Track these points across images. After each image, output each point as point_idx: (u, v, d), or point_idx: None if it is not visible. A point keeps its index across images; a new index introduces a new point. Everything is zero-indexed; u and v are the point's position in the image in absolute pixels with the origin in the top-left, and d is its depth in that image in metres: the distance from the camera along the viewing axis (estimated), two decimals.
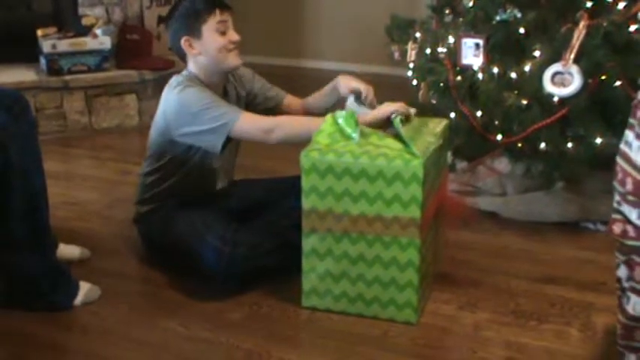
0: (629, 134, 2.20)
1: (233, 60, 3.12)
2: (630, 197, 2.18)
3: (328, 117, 2.84)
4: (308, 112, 3.32)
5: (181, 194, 3.21)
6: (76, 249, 3.29)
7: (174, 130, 3.05)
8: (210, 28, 3.06)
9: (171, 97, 3.05)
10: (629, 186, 2.17)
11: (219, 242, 2.95)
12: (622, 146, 2.23)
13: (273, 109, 3.36)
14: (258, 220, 3.21)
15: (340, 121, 2.80)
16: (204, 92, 3.03)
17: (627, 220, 2.22)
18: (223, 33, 3.08)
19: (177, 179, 3.20)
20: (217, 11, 3.06)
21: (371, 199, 2.70)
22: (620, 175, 2.22)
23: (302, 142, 2.84)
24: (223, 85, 3.22)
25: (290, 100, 3.42)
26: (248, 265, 2.97)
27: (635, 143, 2.15)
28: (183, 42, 3.09)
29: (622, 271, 2.35)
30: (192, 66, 3.14)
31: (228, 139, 2.99)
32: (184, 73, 3.16)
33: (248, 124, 2.97)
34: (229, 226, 3.05)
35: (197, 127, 2.98)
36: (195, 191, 3.23)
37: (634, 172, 2.16)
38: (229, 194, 3.36)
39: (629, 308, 2.29)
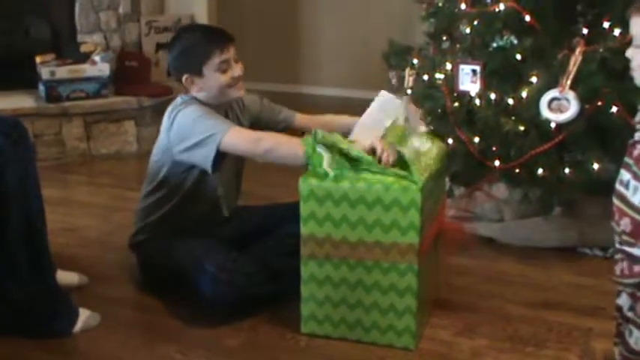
0: (625, 174, 2.18)
1: (235, 92, 3.13)
2: (626, 237, 2.17)
3: (307, 140, 2.81)
4: (325, 129, 3.30)
5: (182, 219, 3.21)
6: (74, 275, 3.29)
7: (174, 147, 3.05)
8: (211, 68, 3.06)
9: (174, 115, 3.06)
10: (627, 227, 2.16)
11: (216, 270, 2.95)
12: (618, 186, 2.21)
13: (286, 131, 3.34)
14: (256, 246, 3.21)
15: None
16: (203, 109, 3.04)
17: (627, 258, 2.21)
18: (225, 70, 3.07)
19: (176, 203, 3.20)
20: (217, 52, 3.05)
21: (369, 225, 2.71)
22: (616, 216, 2.21)
23: (288, 164, 2.86)
24: (225, 110, 3.22)
25: (300, 119, 3.41)
26: (245, 293, 2.97)
27: (632, 183, 2.13)
28: (184, 79, 3.10)
29: (623, 300, 2.34)
30: (194, 93, 3.14)
31: (221, 156, 2.97)
32: (189, 94, 3.16)
33: (236, 136, 2.95)
34: (227, 254, 3.05)
35: (190, 140, 2.97)
36: (198, 217, 3.23)
37: (631, 212, 2.14)
38: (227, 221, 3.36)
39: (632, 342, 2.28)
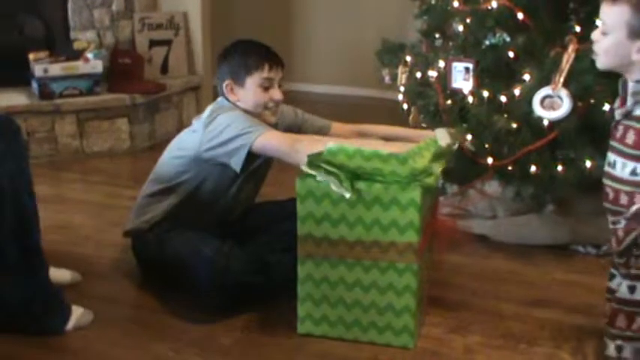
0: (610, 155, 2.31)
1: (267, 117, 3.13)
2: (624, 210, 2.25)
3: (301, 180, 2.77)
4: (360, 138, 3.34)
5: (186, 220, 3.20)
6: (67, 273, 3.28)
7: (205, 144, 3.02)
8: (254, 81, 3.08)
9: (216, 114, 3.04)
10: (625, 201, 2.27)
11: (214, 255, 2.95)
12: (606, 168, 2.34)
13: None
14: (251, 244, 3.20)
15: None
16: (246, 115, 3.05)
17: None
18: (267, 89, 3.09)
19: (187, 208, 3.21)
20: (266, 67, 3.08)
21: (367, 224, 2.70)
22: (611, 195, 2.31)
23: None
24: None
25: (336, 129, 3.40)
26: (241, 280, 2.95)
27: (619, 161, 2.23)
28: (225, 85, 3.11)
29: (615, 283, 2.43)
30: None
31: (252, 158, 2.95)
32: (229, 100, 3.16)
33: (274, 136, 2.94)
34: (225, 242, 3.05)
35: (224, 136, 2.96)
36: (203, 220, 3.23)
37: (623, 187, 2.27)
38: (227, 221, 3.36)
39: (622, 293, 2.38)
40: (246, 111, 3.10)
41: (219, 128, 2.98)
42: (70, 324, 2.93)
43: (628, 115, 2.25)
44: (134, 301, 3.22)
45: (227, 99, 3.16)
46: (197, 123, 3.14)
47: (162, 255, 3.16)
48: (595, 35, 2.28)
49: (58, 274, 3.22)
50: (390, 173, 2.65)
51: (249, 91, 3.09)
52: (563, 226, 3.68)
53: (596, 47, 2.28)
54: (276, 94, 3.12)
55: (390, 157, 2.65)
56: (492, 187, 3.82)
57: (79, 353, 2.82)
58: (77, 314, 2.96)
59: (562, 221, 3.68)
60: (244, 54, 3.13)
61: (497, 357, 2.80)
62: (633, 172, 2.22)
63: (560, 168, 3.41)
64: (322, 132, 3.38)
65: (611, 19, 2.21)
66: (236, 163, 2.95)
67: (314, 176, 2.70)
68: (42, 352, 2.82)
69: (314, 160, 2.69)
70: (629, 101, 2.25)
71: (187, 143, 3.17)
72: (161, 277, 3.23)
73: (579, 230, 3.64)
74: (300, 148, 2.83)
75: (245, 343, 2.89)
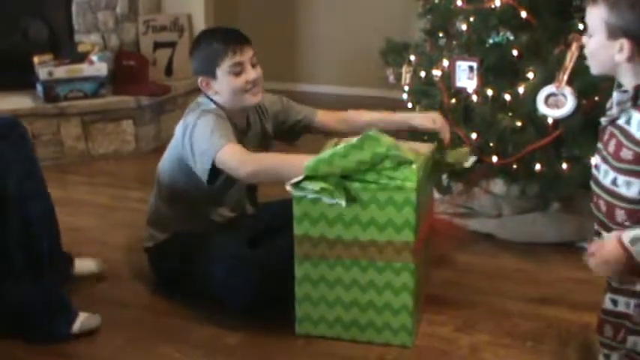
0: (597, 158, 2.27)
1: (250, 99, 3.08)
2: (603, 219, 2.24)
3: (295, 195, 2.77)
4: (345, 125, 3.33)
5: (200, 222, 3.21)
6: (91, 263, 3.32)
7: (183, 152, 3.03)
8: (224, 70, 3.02)
9: (191, 118, 3.02)
10: (603, 208, 2.24)
11: (233, 261, 2.97)
12: (593, 170, 2.30)
13: (307, 130, 3.39)
14: (266, 245, 3.19)
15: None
16: (216, 120, 2.98)
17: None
18: (239, 73, 3.03)
19: (196, 210, 3.21)
20: (230, 53, 3.00)
21: (364, 224, 2.71)
22: (595, 199, 2.29)
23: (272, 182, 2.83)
24: (246, 116, 3.20)
25: (321, 117, 3.37)
26: (259, 288, 2.94)
27: (602, 167, 2.21)
28: (200, 82, 3.08)
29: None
30: (211, 96, 3.11)
31: (219, 171, 2.92)
32: (209, 97, 3.12)
33: (228, 153, 2.86)
34: (243, 249, 3.07)
35: (193, 152, 2.95)
36: (218, 220, 3.25)
37: (603, 195, 2.22)
38: (241, 221, 3.35)
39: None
40: (225, 109, 3.08)
41: (190, 142, 2.97)
42: (76, 326, 2.92)
43: (613, 122, 2.22)
44: (141, 303, 3.22)
45: (207, 96, 3.12)
46: (177, 128, 3.15)
47: (179, 268, 3.17)
48: (584, 38, 2.24)
49: (84, 265, 3.26)
50: (372, 157, 2.65)
51: (223, 81, 3.03)
52: (568, 223, 3.67)
53: (586, 51, 2.24)
54: (249, 74, 3.05)
55: (363, 140, 2.66)
56: (497, 185, 3.81)
57: (84, 356, 2.84)
58: (83, 317, 2.94)
59: (568, 219, 3.68)
60: (206, 46, 3.08)
61: (504, 355, 2.80)
62: (614, 182, 2.17)
63: (564, 166, 3.41)
64: (307, 119, 3.36)
65: (591, 20, 2.17)
66: (203, 177, 2.93)
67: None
68: (47, 357, 2.82)
69: (298, 185, 2.70)
70: (615, 109, 2.21)
71: (174, 145, 3.16)
72: (177, 286, 3.24)
73: (585, 227, 3.63)
74: (243, 168, 2.86)
75: (250, 343, 2.89)
